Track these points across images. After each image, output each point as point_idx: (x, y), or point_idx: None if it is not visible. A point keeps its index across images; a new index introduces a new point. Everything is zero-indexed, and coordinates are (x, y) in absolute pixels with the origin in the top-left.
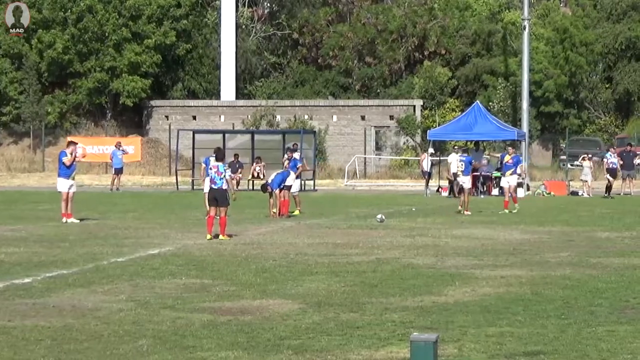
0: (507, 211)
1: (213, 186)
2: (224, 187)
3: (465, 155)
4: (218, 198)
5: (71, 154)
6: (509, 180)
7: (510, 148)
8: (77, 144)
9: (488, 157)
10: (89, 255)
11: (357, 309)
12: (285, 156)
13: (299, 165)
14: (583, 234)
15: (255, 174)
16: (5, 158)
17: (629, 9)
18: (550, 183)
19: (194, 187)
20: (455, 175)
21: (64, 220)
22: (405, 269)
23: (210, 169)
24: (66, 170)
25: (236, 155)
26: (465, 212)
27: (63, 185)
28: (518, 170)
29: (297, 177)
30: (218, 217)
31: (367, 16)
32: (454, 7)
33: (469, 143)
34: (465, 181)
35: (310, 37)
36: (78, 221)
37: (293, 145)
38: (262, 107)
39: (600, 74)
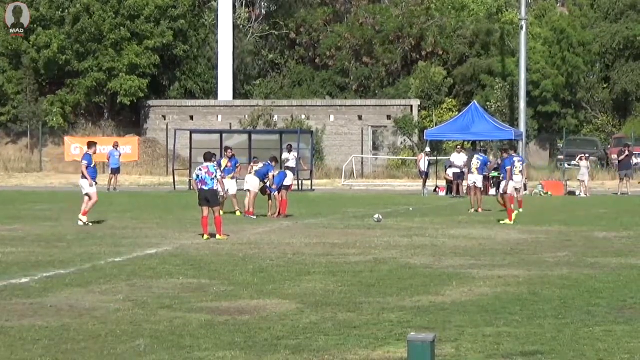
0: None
1: (204, 187)
2: (215, 187)
3: (484, 155)
4: (210, 198)
5: (94, 154)
6: (475, 180)
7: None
8: (96, 144)
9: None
10: (87, 255)
11: (355, 309)
12: (225, 154)
13: (238, 164)
14: (580, 233)
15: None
16: (3, 158)
17: (626, 9)
18: (547, 183)
19: (191, 187)
20: (462, 173)
21: (85, 221)
22: (402, 269)
23: (200, 169)
24: (92, 173)
25: (232, 155)
26: (479, 210)
27: (92, 187)
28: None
29: (232, 178)
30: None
31: (364, 16)
32: (451, 7)
33: (465, 143)
34: (477, 180)
35: (308, 37)
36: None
37: (287, 146)
38: (259, 107)
39: (597, 74)
